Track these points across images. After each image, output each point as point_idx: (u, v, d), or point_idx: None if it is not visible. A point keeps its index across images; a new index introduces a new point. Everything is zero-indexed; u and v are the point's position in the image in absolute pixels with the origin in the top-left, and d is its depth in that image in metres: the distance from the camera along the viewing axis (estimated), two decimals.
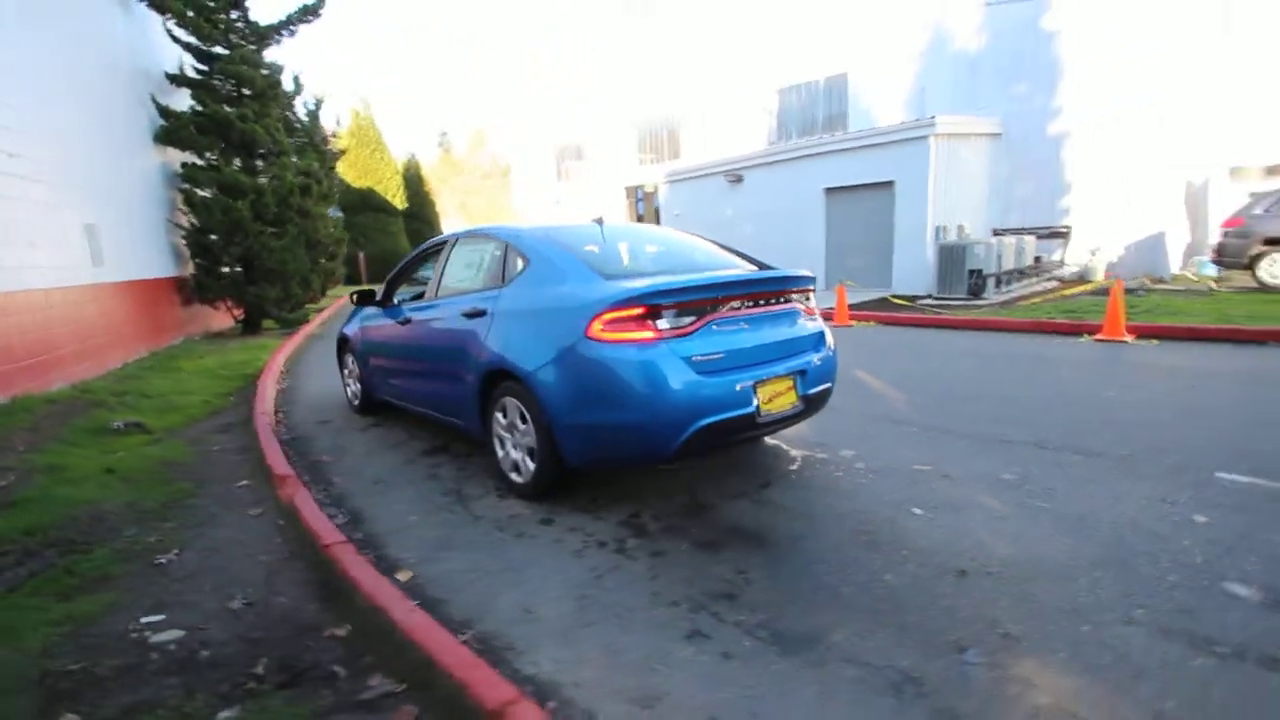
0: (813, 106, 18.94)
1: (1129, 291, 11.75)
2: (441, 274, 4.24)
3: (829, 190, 14.94)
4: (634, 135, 23.47)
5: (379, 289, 5.10)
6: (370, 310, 5.18)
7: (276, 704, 1.87)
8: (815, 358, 3.45)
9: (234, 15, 9.70)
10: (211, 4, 9.40)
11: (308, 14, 9.85)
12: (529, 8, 27.47)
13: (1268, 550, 2.54)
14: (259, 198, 9.76)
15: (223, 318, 11.14)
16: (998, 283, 12.39)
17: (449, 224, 40.74)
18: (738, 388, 3.01)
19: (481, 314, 3.57)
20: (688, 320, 3.00)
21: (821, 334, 3.61)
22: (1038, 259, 14.32)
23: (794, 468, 3.76)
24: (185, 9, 8.96)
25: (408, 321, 4.39)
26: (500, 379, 3.45)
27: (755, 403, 3.07)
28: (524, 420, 3.30)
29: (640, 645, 2.11)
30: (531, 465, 3.32)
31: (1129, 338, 6.98)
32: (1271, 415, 4.31)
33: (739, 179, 16.67)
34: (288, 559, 2.80)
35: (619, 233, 4.05)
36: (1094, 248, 14.79)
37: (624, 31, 23.42)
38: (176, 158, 9.79)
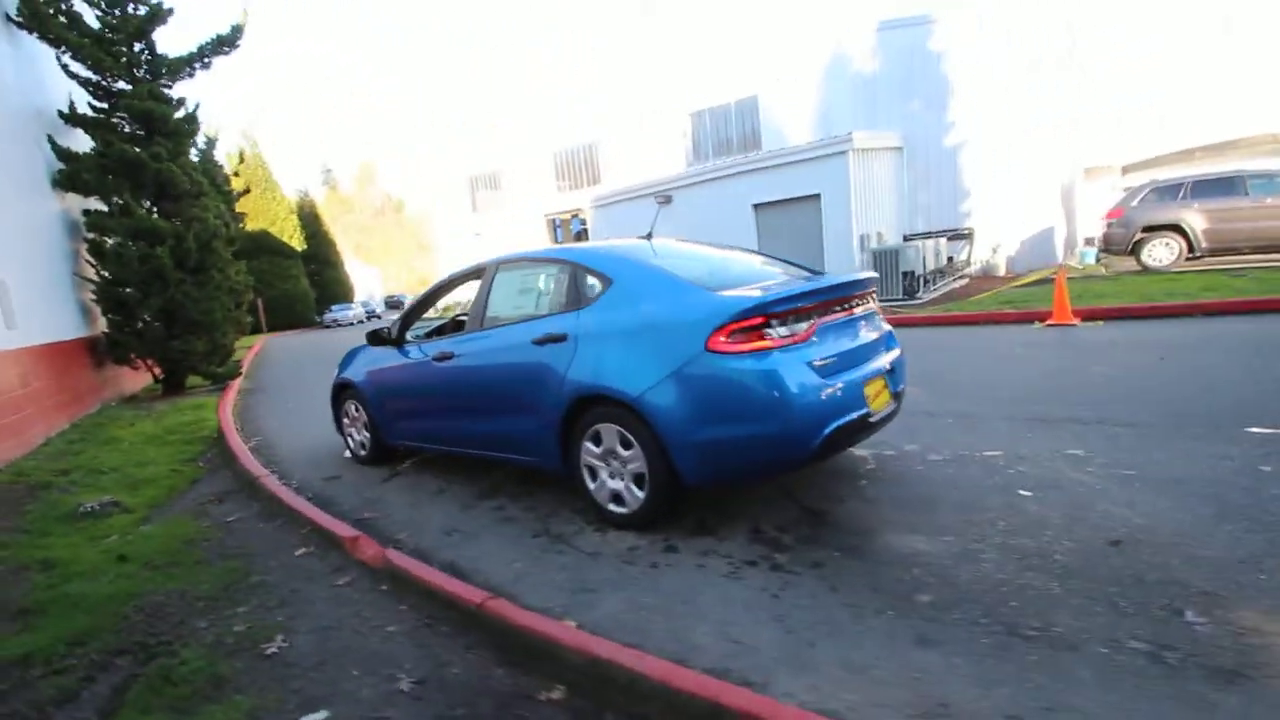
0: (726, 127, 19.72)
1: (1040, 282, 13.05)
2: (486, 303, 3.99)
3: (757, 206, 15.54)
4: (551, 162, 23.43)
5: (390, 328, 4.71)
6: (379, 351, 4.79)
7: None
8: (895, 356, 3.54)
9: (138, 48, 8.79)
10: (112, 35, 8.48)
11: (223, 45, 9.07)
12: (424, 35, 26.97)
13: None
14: (179, 243, 8.84)
15: (136, 379, 9.93)
16: (925, 282, 13.32)
17: (352, 265, 38.70)
18: (853, 389, 3.02)
19: (560, 339, 3.39)
20: (803, 326, 2.99)
21: (892, 333, 3.71)
22: (950, 259, 15.54)
23: (871, 467, 3.82)
24: (83, 41, 8.01)
25: (447, 357, 4.08)
26: (590, 405, 3.27)
27: (866, 403, 3.10)
28: (626, 446, 3.15)
29: (880, 658, 2.04)
30: (640, 493, 3.16)
31: (1077, 321, 7.69)
32: (1247, 375, 4.86)
33: (668, 200, 16.96)
34: (425, 625, 2.49)
35: (670, 249, 3.98)
36: (994, 245, 16.28)
37: (538, 58, 23.45)
38: (76, 204, 8.69)
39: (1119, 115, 18.41)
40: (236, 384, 10.29)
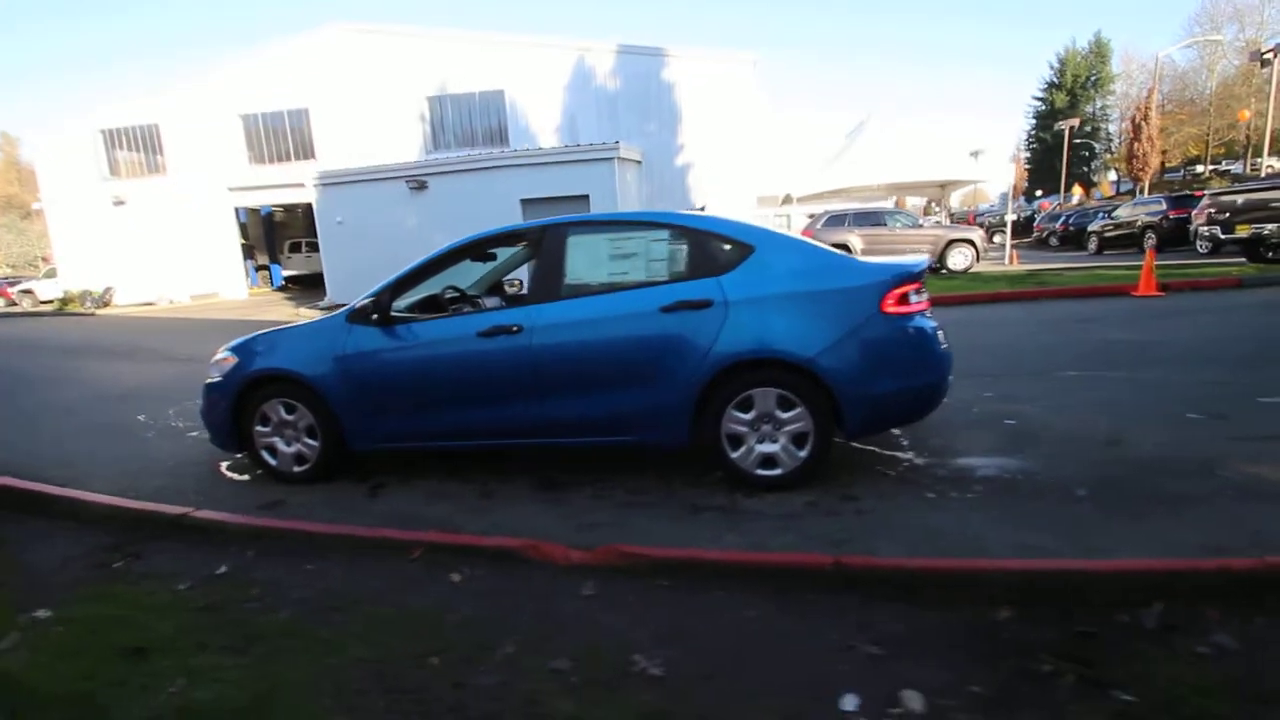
0: (470, 118, 19.04)
1: None
2: (561, 270, 3.50)
3: (525, 201, 15.46)
4: (240, 127, 19.23)
5: (374, 302, 3.68)
6: (345, 331, 3.72)
7: None
8: None
9: None
10: None
11: None
12: None
13: (1164, 399, 4.52)
14: None
15: None
16: None
17: None
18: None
19: (704, 305, 3.25)
20: (925, 295, 3.50)
21: None
22: None
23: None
24: None
25: (506, 330, 3.43)
26: (740, 371, 3.25)
27: None
28: (786, 408, 3.24)
29: (1136, 530, 2.65)
30: (800, 452, 3.27)
31: None
32: (1004, 342, 7.04)
33: (422, 185, 15.69)
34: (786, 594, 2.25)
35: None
36: None
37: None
38: None
39: (783, 159, 23.43)
40: None
